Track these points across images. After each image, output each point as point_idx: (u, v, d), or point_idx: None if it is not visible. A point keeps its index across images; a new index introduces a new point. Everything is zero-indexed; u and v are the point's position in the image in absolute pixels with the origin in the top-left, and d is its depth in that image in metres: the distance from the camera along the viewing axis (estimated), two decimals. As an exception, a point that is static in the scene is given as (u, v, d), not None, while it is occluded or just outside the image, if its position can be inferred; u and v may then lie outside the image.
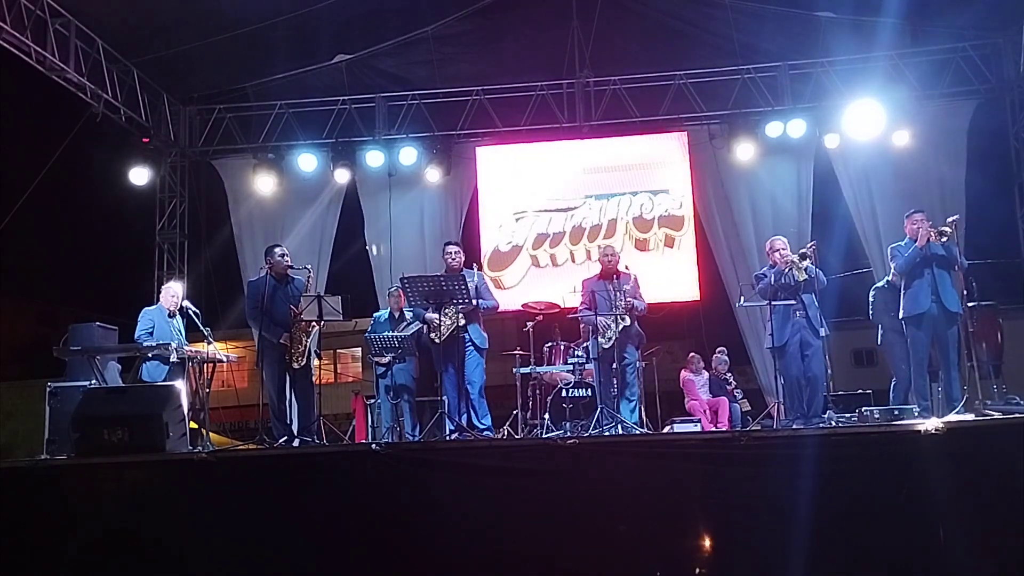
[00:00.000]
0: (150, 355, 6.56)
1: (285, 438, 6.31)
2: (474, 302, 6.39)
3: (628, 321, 6.54)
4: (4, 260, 13.08)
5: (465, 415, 6.45)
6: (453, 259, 6.64)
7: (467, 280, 6.45)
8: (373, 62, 9.75)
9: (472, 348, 6.55)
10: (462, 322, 6.44)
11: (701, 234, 9.77)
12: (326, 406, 6.92)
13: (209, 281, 9.91)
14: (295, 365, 6.42)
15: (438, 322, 6.38)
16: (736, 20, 8.97)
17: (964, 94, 9.39)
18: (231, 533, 4.97)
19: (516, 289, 9.70)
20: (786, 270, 6.47)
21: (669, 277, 9.42)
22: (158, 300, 7.32)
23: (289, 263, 6.64)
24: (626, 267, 6.95)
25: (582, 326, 8.04)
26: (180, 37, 8.60)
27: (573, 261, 9.77)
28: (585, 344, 7.89)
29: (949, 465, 4.59)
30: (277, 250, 6.69)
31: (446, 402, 6.47)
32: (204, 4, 8.10)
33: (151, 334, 6.68)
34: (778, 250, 6.64)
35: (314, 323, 6.41)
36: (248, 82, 9.89)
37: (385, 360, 7.41)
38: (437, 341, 6.48)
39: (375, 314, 8.04)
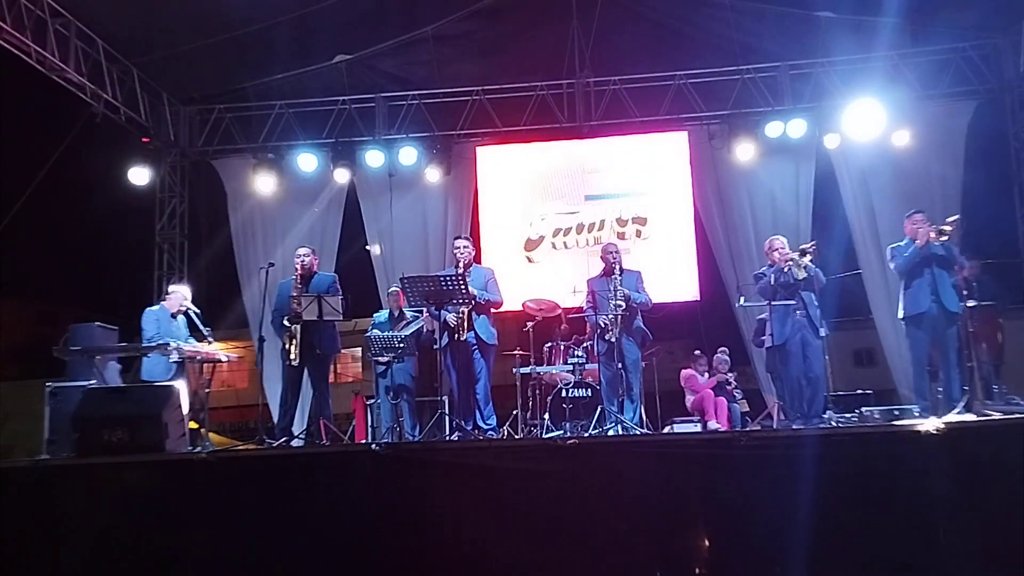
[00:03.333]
0: (148, 354, 6.58)
1: (285, 438, 6.32)
2: (476, 295, 6.34)
3: (624, 307, 6.45)
4: (4, 260, 13.07)
5: (472, 417, 6.41)
6: (462, 253, 6.52)
7: (477, 274, 6.43)
8: (373, 62, 9.75)
9: (477, 345, 6.46)
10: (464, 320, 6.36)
11: (701, 234, 9.78)
12: (326, 406, 6.88)
13: (209, 281, 9.91)
14: (292, 362, 6.39)
15: (455, 323, 6.32)
16: (736, 20, 8.95)
17: (964, 94, 9.40)
18: (231, 533, 4.96)
19: (541, 264, 9.98)
20: (785, 268, 6.47)
21: (669, 277, 9.41)
22: (158, 300, 7.31)
23: (302, 262, 6.63)
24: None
25: (589, 325, 8.05)
26: (180, 37, 8.61)
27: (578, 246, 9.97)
28: (586, 344, 7.89)
29: (949, 465, 4.58)
30: (299, 251, 6.76)
31: (446, 402, 6.44)
32: (204, 4, 8.09)
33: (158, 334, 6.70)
34: (777, 249, 6.67)
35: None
36: (248, 82, 9.89)
37: (385, 360, 7.41)
38: (460, 338, 6.37)
39: (375, 314, 8.05)
